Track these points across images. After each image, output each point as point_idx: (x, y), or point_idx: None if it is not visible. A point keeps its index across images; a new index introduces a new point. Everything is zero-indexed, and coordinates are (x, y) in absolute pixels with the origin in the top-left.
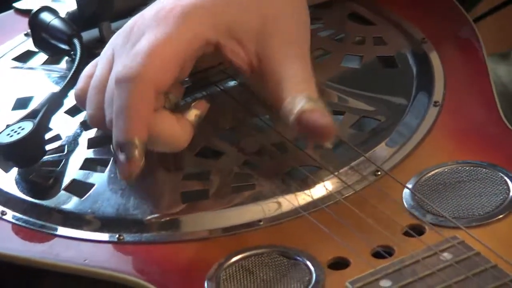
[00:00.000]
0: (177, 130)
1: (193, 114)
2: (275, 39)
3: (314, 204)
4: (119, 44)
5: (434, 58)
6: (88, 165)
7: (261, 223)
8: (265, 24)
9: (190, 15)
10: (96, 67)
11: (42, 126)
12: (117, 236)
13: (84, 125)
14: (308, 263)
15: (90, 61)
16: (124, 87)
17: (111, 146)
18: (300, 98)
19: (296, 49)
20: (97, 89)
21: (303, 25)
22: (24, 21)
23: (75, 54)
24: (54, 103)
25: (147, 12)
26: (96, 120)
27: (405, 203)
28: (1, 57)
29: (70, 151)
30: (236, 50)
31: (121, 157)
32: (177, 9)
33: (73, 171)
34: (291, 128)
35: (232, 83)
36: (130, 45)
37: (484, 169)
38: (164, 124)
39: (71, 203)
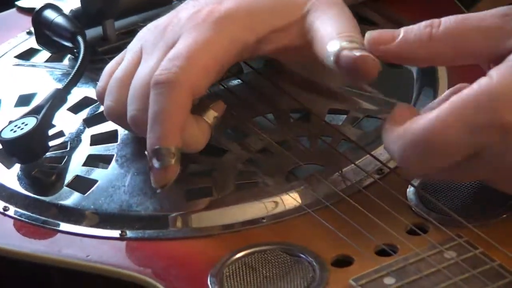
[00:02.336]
0: (196, 131)
1: (212, 115)
2: (318, 12)
3: (318, 202)
4: (150, 41)
5: None
6: (91, 161)
7: (265, 220)
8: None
9: (229, 19)
10: (119, 64)
11: (46, 122)
12: (119, 232)
13: (87, 122)
14: (312, 260)
15: (93, 59)
16: (163, 92)
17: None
18: (340, 40)
19: (338, 8)
20: (121, 83)
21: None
22: (26, 19)
23: (78, 52)
24: (57, 99)
25: (183, 13)
26: (115, 114)
27: (409, 201)
28: (4, 54)
29: (73, 148)
30: (278, 39)
31: (156, 164)
32: (216, 13)
33: (76, 167)
34: (333, 71)
35: (236, 81)
36: (163, 45)
37: None
38: (185, 126)
39: (74, 199)
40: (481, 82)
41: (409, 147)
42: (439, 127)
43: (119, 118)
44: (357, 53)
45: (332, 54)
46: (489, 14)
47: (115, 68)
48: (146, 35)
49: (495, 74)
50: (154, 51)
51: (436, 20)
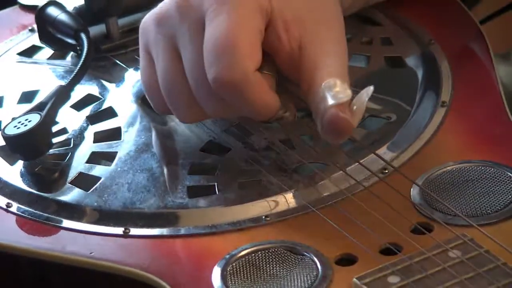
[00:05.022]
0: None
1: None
2: (321, 26)
3: (322, 200)
4: (177, 24)
5: (442, 59)
6: (94, 158)
7: (268, 218)
8: (311, 11)
9: None
10: (150, 72)
11: (49, 119)
12: (123, 229)
13: (90, 119)
14: (315, 258)
15: (97, 57)
16: (234, 92)
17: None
18: (329, 88)
19: (337, 33)
20: (179, 85)
21: (340, 12)
22: (29, 17)
23: (81, 49)
24: (61, 96)
25: None
26: (194, 116)
27: (413, 200)
28: (6, 51)
29: (77, 145)
30: (280, 33)
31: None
32: None
33: (79, 164)
34: (318, 121)
35: None
36: (193, 25)
37: (491, 169)
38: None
39: (77, 196)
40: None
41: None
42: None
43: (202, 118)
44: (341, 115)
45: (324, 103)
46: None
47: (151, 77)
48: (158, 28)
49: None
50: (187, 43)
51: None
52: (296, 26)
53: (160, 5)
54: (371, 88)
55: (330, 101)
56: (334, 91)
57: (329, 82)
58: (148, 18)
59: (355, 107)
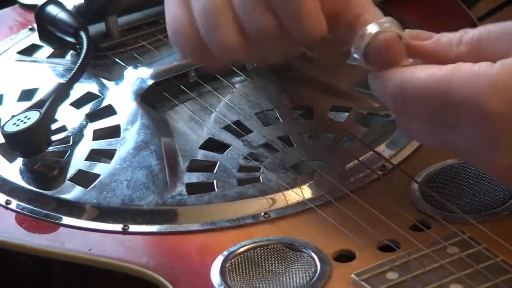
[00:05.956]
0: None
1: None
2: None
3: (321, 197)
4: None
5: None
6: (93, 156)
7: (267, 215)
8: None
9: None
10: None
11: (48, 116)
12: (122, 226)
13: (90, 117)
14: (314, 255)
15: (96, 55)
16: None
17: None
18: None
19: None
20: (225, 12)
21: None
22: (29, 16)
23: (81, 47)
24: (60, 93)
25: None
26: (236, 46)
27: (412, 197)
28: (6, 50)
29: (76, 142)
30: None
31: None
32: None
33: (78, 162)
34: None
35: (239, 78)
36: None
37: None
38: None
39: (76, 193)
40: (482, 65)
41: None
42: (445, 86)
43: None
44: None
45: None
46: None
47: (185, 16)
48: None
49: (498, 63)
50: None
51: (469, 30)
52: None
53: None
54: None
55: (379, 29)
56: (382, 25)
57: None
58: None
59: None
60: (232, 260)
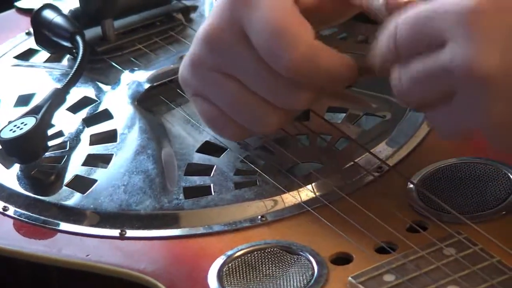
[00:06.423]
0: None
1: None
2: None
3: (317, 200)
4: (216, 55)
5: None
6: (90, 161)
7: (264, 218)
8: None
9: None
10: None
11: (45, 122)
12: (119, 231)
13: (86, 122)
14: (311, 258)
15: (93, 59)
16: (309, 65)
17: None
18: None
19: None
20: (252, 100)
21: None
22: (26, 20)
23: (77, 52)
24: (57, 99)
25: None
26: (278, 120)
27: (408, 198)
28: (3, 55)
29: (73, 148)
30: None
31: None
32: None
33: (75, 167)
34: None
35: None
36: (234, 41)
37: (487, 166)
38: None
39: (74, 198)
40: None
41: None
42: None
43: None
44: None
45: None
46: None
47: (215, 113)
48: (197, 70)
49: None
50: (238, 59)
51: None
52: None
53: (189, 52)
54: None
55: None
56: None
57: None
58: (184, 68)
59: None
60: (230, 264)
